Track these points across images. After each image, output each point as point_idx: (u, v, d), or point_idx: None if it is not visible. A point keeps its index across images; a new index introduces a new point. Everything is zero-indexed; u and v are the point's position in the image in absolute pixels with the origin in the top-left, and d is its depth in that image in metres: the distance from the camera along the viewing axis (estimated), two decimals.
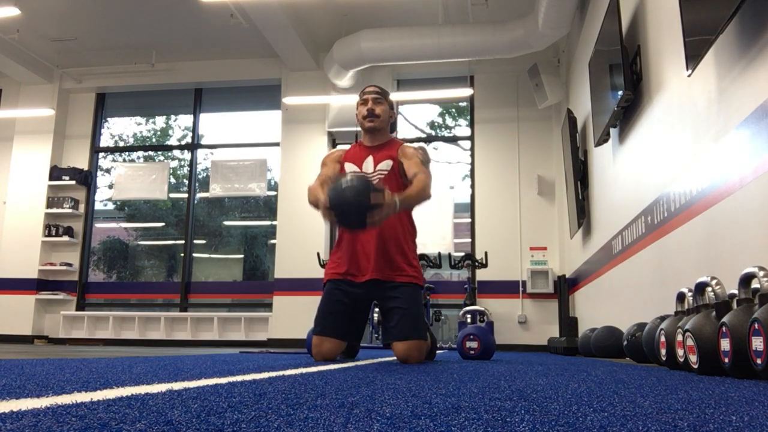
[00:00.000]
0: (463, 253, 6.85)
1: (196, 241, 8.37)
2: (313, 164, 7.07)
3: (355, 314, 2.80)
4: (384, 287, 2.74)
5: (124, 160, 8.71)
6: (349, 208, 2.38)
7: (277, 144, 7.98)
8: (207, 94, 8.57)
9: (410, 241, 2.85)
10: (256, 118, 8.79)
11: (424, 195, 2.64)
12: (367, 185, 2.40)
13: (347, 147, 3.01)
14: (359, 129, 2.98)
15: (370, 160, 2.85)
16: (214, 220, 8.66)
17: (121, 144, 8.95)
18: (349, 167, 2.85)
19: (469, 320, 4.56)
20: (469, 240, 7.56)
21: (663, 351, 2.27)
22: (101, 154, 8.73)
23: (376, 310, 6.81)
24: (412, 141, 8.23)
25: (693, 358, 1.90)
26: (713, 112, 2.56)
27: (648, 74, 3.59)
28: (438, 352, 5.41)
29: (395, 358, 2.85)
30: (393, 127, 3.00)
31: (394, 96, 7.75)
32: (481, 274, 7.17)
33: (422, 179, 2.65)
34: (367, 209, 2.34)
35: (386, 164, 2.82)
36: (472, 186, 7.64)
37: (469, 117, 8.00)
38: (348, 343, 2.84)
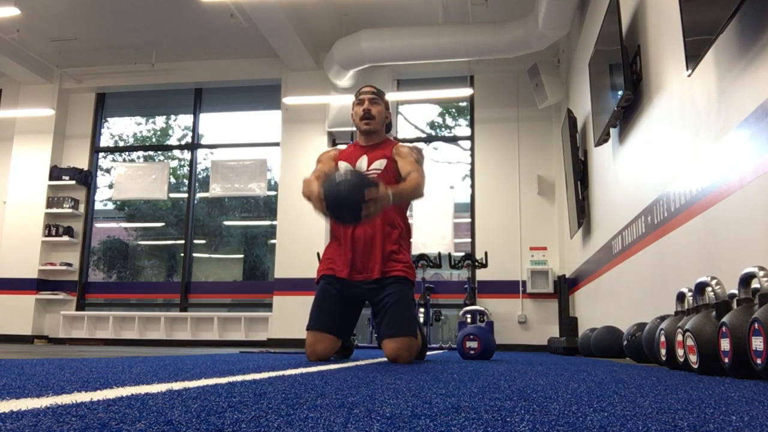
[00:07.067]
0: (463, 253, 6.85)
1: (196, 241, 8.37)
2: (312, 164, 7.04)
3: (347, 312, 2.81)
4: (376, 285, 2.75)
5: (124, 160, 8.71)
6: (343, 203, 2.41)
7: (277, 144, 7.98)
8: (207, 94, 8.57)
9: (403, 239, 2.85)
10: (256, 118, 8.79)
11: (416, 192, 2.70)
12: (361, 179, 2.43)
13: (343, 147, 3.04)
14: (355, 129, 3.00)
15: (364, 159, 2.86)
16: (214, 220, 8.66)
17: (121, 144, 8.95)
18: (343, 166, 2.87)
19: (469, 320, 4.56)
20: (469, 240, 7.56)
21: (663, 351, 2.27)
22: (101, 154, 8.73)
23: None
24: (412, 141, 8.24)
25: (693, 358, 1.90)
26: (713, 112, 2.56)
27: (648, 74, 3.59)
28: (438, 352, 5.42)
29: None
30: (389, 128, 3.01)
31: (394, 96, 7.77)
32: (481, 274, 7.17)
33: (415, 177, 2.70)
34: (361, 203, 2.37)
35: (380, 163, 2.83)
36: (472, 186, 7.64)
37: (469, 117, 8.00)
38: (342, 343, 2.84)
